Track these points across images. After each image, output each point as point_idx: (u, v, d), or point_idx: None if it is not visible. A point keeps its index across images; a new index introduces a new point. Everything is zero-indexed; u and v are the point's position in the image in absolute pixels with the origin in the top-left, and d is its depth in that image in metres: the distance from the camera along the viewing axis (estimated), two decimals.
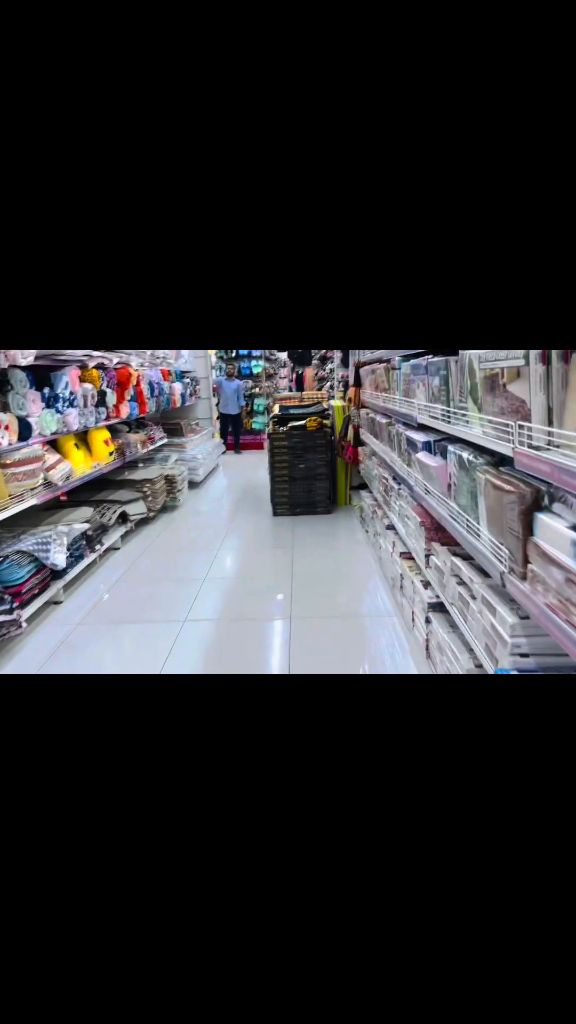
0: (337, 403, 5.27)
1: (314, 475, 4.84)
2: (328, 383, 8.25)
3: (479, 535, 1.52)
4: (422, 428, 2.32)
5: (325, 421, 4.84)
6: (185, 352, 7.07)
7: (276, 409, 5.17)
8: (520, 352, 1.16)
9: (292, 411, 5.03)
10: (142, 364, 4.99)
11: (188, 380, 7.20)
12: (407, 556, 2.60)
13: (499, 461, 1.51)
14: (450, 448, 1.78)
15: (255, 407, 9.27)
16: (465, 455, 1.61)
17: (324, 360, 9.15)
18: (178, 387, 6.42)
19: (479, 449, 1.65)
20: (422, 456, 2.04)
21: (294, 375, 14.40)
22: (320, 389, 8.85)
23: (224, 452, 8.22)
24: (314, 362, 11.49)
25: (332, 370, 7.77)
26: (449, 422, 1.78)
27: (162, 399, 5.66)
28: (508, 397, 1.26)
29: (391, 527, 3.07)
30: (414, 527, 2.37)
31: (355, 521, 4.63)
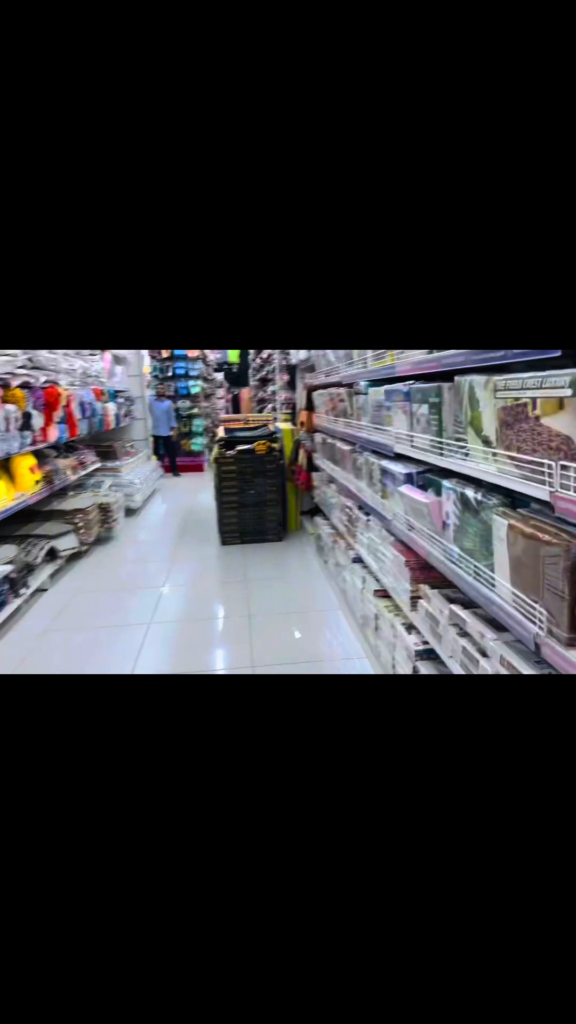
0: (285, 426, 5.08)
1: (264, 501, 4.58)
2: (270, 405, 8.09)
3: (493, 585, 1.33)
4: (399, 458, 2.14)
5: (274, 445, 4.62)
6: (119, 370, 6.63)
7: (221, 432, 4.87)
8: (564, 380, 0.99)
9: (239, 434, 4.76)
10: (72, 383, 4.53)
11: (122, 400, 6.75)
12: (382, 594, 2.40)
13: (512, 502, 1.34)
14: (446, 484, 1.60)
15: (194, 428, 8.91)
16: (470, 493, 1.43)
17: (265, 381, 9.01)
18: (111, 407, 5.95)
19: (478, 484, 1.48)
20: (406, 490, 1.86)
21: (230, 395, 14.21)
22: (261, 411, 8.68)
23: (162, 476, 7.78)
24: (252, 383, 11.34)
25: (274, 392, 7.62)
26: (442, 454, 1.60)
27: (94, 420, 5.19)
28: (541, 431, 1.08)
29: (358, 560, 2.87)
30: (392, 564, 2.17)
31: (309, 549, 4.41)
